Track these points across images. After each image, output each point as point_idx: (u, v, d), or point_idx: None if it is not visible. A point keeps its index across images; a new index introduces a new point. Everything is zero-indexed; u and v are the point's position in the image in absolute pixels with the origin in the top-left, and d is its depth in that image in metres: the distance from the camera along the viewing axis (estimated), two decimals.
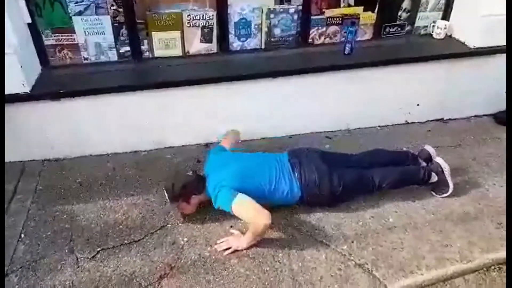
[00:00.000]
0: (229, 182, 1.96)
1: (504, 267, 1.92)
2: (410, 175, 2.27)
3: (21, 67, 2.21)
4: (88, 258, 1.93)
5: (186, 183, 2.02)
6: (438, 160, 2.32)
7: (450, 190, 2.26)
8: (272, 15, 2.68)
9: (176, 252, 1.96)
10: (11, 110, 2.28)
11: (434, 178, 2.26)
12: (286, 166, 2.12)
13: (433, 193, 2.31)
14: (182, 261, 1.92)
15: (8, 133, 2.35)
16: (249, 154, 2.28)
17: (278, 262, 1.91)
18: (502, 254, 1.95)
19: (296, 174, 2.08)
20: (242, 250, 1.95)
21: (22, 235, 2.04)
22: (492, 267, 1.94)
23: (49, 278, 1.83)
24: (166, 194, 2.03)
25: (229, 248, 1.96)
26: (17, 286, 1.80)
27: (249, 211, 1.89)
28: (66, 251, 1.96)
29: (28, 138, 2.47)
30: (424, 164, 2.37)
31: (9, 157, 2.50)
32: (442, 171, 2.26)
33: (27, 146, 2.51)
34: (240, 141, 2.48)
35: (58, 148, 2.56)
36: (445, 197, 2.28)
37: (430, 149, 2.41)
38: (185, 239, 2.04)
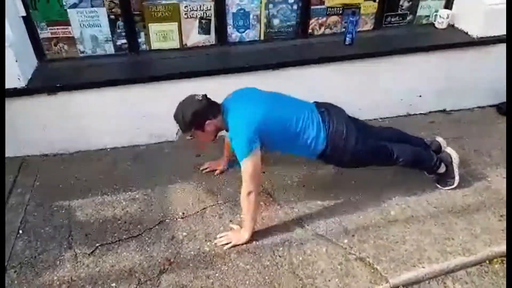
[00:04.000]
0: (256, 117, 1.82)
1: None
2: (424, 158, 2.21)
3: (17, 61, 2.18)
4: (87, 253, 1.91)
5: (197, 109, 1.85)
6: (448, 150, 2.28)
7: (456, 183, 2.24)
8: (271, 6, 2.63)
9: (175, 247, 1.95)
10: (7, 105, 2.25)
11: (443, 169, 2.23)
12: (315, 113, 1.98)
13: (438, 185, 2.29)
14: (182, 256, 1.90)
15: (5, 128, 2.32)
16: (279, 94, 2.08)
17: (278, 256, 1.90)
18: (505, 246, 1.92)
19: (325, 123, 1.96)
20: (242, 244, 1.94)
21: (21, 231, 2.03)
22: (495, 260, 1.92)
23: (48, 273, 1.82)
24: (177, 125, 1.89)
25: (229, 242, 1.94)
26: (16, 281, 1.79)
27: (253, 172, 1.80)
28: (65, 246, 1.95)
29: (26, 133, 2.45)
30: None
31: (7, 152, 2.48)
32: (452, 161, 2.23)
33: (25, 141, 2.49)
34: None
35: (56, 142, 2.54)
36: (450, 189, 2.26)
37: (441, 140, 2.37)
38: (184, 233, 2.02)
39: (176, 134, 1.91)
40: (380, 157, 2.12)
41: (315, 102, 2.10)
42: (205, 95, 1.91)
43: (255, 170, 1.82)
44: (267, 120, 1.85)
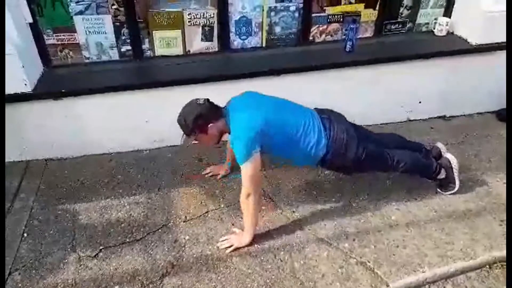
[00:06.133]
0: (258, 120, 1.84)
1: None
2: (424, 164, 2.24)
3: (23, 66, 2.22)
4: (90, 256, 1.93)
5: (199, 113, 1.87)
6: (448, 155, 2.30)
7: (456, 187, 2.26)
8: (272, 13, 2.68)
9: (178, 250, 1.97)
10: (13, 110, 2.29)
11: (443, 174, 2.25)
12: (317, 120, 2.00)
13: (439, 190, 2.31)
14: (184, 259, 1.92)
15: (11, 133, 2.36)
16: (281, 99, 2.09)
17: (280, 260, 1.91)
18: (505, 251, 1.93)
19: (326, 129, 1.99)
20: (244, 247, 1.96)
21: (25, 234, 2.05)
22: (495, 265, 1.93)
23: (52, 276, 1.84)
24: (181, 129, 1.93)
25: (231, 246, 1.96)
26: (20, 284, 1.81)
27: (252, 176, 1.83)
28: (69, 249, 1.97)
29: (31, 138, 2.48)
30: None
31: (12, 156, 2.52)
32: (451, 167, 2.25)
33: (30, 145, 2.52)
34: None
35: (61, 147, 2.57)
36: (451, 194, 2.28)
37: (441, 146, 2.40)
38: (187, 237, 2.04)
39: (181, 138, 1.96)
40: (381, 163, 2.14)
41: (316, 108, 2.12)
42: (207, 99, 1.94)
43: (255, 173, 1.84)
44: (269, 124, 1.86)
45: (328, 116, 2.05)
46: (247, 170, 1.82)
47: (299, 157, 2.03)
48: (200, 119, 1.87)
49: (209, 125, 1.89)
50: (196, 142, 1.98)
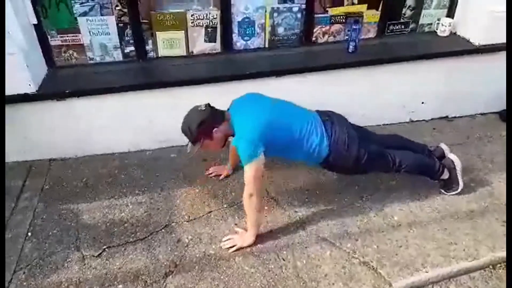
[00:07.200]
0: (261, 121, 1.87)
1: None
2: (426, 164, 2.25)
3: (28, 67, 2.24)
4: (94, 256, 1.94)
5: (202, 119, 1.88)
6: (451, 156, 2.30)
7: (460, 188, 2.26)
8: (275, 14, 2.69)
9: (181, 250, 1.97)
10: (17, 110, 2.31)
11: (446, 175, 2.25)
12: (319, 121, 2.04)
13: (442, 191, 2.31)
14: (187, 258, 1.93)
15: (15, 133, 2.38)
16: (284, 101, 2.13)
17: (283, 260, 1.92)
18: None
19: (328, 130, 2.01)
20: (247, 247, 1.96)
21: (29, 233, 2.07)
22: (499, 265, 1.93)
23: (56, 275, 1.85)
24: (186, 138, 1.93)
25: (234, 245, 1.96)
26: (24, 283, 1.82)
27: (256, 177, 1.83)
28: (73, 249, 1.98)
29: (35, 138, 2.50)
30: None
31: (16, 156, 2.53)
32: (454, 167, 2.25)
33: (34, 145, 2.53)
34: None
35: (64, 147, 2.58)
36: (454, 195, 2.27)
37: (444, 147, 2.40)
38: (190, 237, 2.05)
39: (187, 146, 1.97)
40: (382, 163, 2.14)
41: (317, 110, 2.14)
42: (208, 104, 1.95)
43: (258, 174, 1.85)
44: (272, 126, 1.89)
45: (330, 118, 2.08)
46: (251, 170, 1.83)
47: (303, 158, 2.05)
48: (204, 125, 1.88)
49: (213, 130, 1.91)
50: (202, 148, 1.99)
